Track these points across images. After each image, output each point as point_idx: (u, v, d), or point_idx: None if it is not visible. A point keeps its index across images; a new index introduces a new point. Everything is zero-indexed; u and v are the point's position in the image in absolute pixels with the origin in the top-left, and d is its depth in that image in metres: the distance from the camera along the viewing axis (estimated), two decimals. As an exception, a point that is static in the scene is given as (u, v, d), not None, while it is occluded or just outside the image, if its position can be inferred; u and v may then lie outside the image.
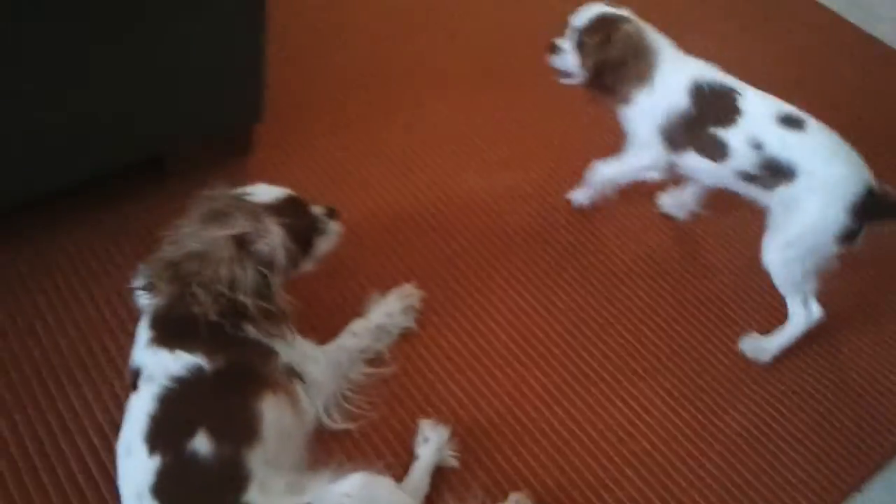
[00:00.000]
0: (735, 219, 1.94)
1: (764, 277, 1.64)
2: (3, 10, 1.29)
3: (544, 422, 1.52)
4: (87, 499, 1.30)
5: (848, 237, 1.52)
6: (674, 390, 1.61)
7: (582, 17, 1.69)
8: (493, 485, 1.41)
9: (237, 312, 1.26)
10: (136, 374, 1.24)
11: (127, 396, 1.25)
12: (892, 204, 1.52)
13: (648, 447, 1.51)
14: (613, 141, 1.79)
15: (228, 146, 1.85)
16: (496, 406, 1.53)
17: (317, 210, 1.46)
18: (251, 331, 1.29)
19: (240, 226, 1.27)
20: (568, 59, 1.71)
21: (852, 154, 1.55)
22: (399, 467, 1.40)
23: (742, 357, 1.68)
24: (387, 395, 1.51)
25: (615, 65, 1.64)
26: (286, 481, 1.19)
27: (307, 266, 1.43)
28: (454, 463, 1.41)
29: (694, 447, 1.53)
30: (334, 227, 1.48)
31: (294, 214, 1.35)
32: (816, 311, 1.62)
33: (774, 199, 1.57)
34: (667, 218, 1.95)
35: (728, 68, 1.66)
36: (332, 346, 1.47)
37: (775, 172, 1.54)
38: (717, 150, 1.59)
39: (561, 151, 2.07)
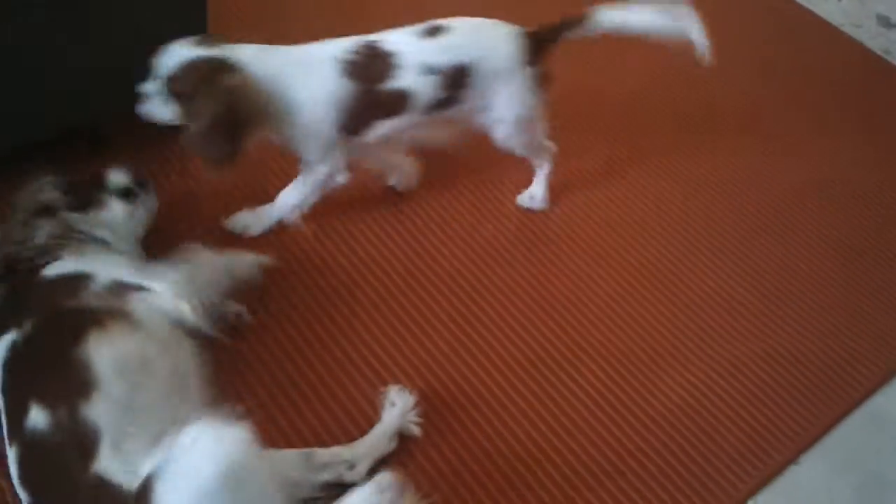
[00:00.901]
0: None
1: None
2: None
3: (492, 397, 1.53)
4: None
5: (544, 83, 1.64)
6: (616, 364, 1.63)
7: (169, 60, 1.41)
8: (452, 455, 1.42)
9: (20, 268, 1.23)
10: None
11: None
12: (546, 34, 1.62)
13: (591, 421, 1.53)
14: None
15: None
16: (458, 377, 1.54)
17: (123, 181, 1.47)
18: (49, 271, 1.22)
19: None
20: (161, 110, 1.45)
21: (496, 23, 1.61)
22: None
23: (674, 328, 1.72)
24: (352, 361, 1.51)
25: (232, 124, 1.40)
26: (156, 429, 1.05)
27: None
28: (416, 430, 1.40)
29: (633, 419, 1.55)
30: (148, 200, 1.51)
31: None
32: (552, 146, 1.80)
33: (472, 102, 1.60)
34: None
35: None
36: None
37: (457, 80, 1.55)
38: (399, 103, 1.53)
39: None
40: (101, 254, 1.32)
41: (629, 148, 2.13)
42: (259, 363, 1.47)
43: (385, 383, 1.47)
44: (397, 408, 1.40)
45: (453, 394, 1.51)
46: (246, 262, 1.44)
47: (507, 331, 1.64)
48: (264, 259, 1.49)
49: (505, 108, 1.62)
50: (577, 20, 1.63)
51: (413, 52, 1.51)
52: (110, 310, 1.17)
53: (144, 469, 1.00)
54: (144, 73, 1.44)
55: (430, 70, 1.51)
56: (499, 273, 1.74)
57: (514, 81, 1.60)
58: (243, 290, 1.43)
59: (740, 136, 2.29)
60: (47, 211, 1.33)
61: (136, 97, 1.46)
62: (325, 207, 1.70)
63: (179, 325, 1.23)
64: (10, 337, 1.15)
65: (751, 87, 2.49)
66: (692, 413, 1.58)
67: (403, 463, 1.37)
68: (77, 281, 1.21)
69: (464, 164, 1.91)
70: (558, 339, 1.65)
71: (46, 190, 1.36)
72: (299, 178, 1.62)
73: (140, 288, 1.22)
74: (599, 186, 2.00)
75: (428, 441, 1.42)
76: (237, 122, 1.39)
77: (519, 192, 1.89)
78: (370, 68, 1.50)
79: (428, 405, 1.46)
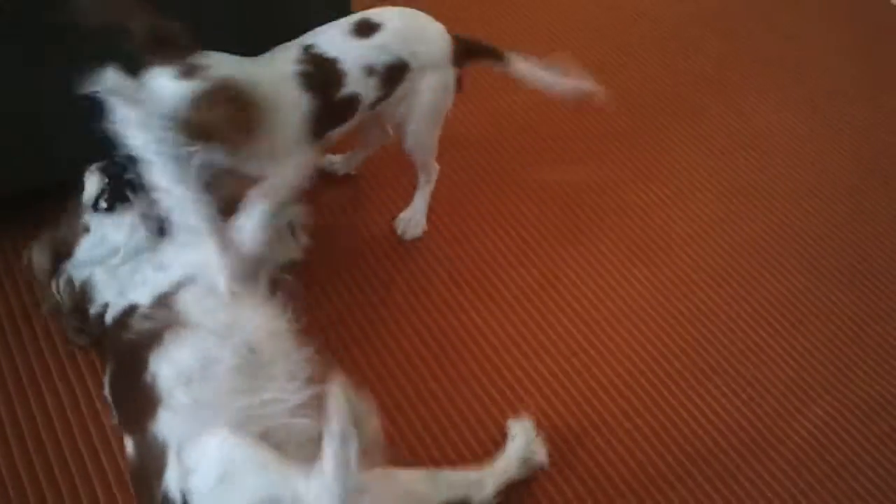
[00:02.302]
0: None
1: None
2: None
3: (610, 415, 1.52)
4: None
5: (458, 88, 1.64)
6: (741, 392, 1.59)
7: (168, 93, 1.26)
8: (579, 483, 1.42)
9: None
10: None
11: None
12: (469, 45, 1.62)
13: (714, 448, 1.50)
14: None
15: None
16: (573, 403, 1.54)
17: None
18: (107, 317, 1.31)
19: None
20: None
21: (427, 17, 1.59)
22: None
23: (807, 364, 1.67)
24: (467, 395, 1.51)
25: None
26: (232, 416, 1.09)
27: None
28: (544, 459, 1.40)
29: (759, 450, 1.51)
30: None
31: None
32: (437, 167, 1.76)
33: (396, 98, 1.57)
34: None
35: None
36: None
37: (394, 76, 1.52)
38: (349, 106, 1.50)
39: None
40: (130, 274, 1.34)
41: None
42: (383, 368, 1.52)
43: (509, 402, 1.49)
44: (520, 437, 1.40)
45: (578, 419, 1.51)
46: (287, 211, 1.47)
47: (630, 353, 1.63)
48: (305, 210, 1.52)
49: (426, 102, 1.59)
50: (497, 54, 1.66)
51: (353, 55, 1.47)
52: (162, 323, 1.22)
53: None
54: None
55: (372, 71, 1.48)
56: (620, 293, 1.73)
57: (442, 76, 1.58)
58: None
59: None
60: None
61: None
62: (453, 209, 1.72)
63: (236, 293, 1.26)
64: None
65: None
66: (823, 450, 1.53)
67: (531, 489, 1.38)
68: (126, 315, 1.27)
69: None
70: (682, 361, 1.63)
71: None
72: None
73: (179, 284, 1.26)
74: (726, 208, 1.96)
75: (555, 469, 1.42)
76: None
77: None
78: (323, 79, 1.45)
79: (553, 430, 1.47)
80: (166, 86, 1.22)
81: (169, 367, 1.15)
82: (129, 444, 1.17)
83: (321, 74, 1.44)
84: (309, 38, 1.47)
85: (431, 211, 1.79)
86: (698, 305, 1.74)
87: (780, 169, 2.11)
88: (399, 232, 1.77)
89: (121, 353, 1.25)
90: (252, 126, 1.28)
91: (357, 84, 1.47)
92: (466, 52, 1.61)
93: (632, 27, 2.49)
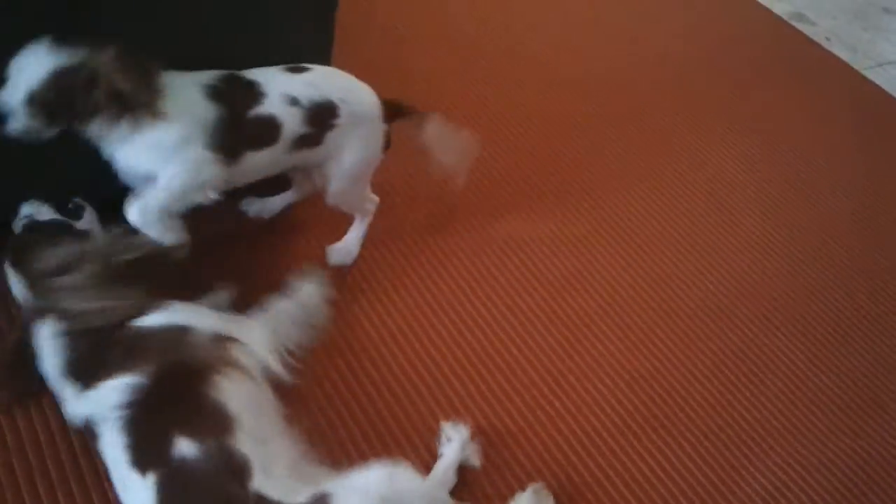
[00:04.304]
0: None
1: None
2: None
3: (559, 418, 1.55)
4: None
5: (386, 145, 1.66)
6: (698, 444, 1.63)
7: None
8: (514, 480, 1.47)
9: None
10: (89, 427, 1.24)
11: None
12: (394, 104, 1.65)
13: (669, 499, 1.53)
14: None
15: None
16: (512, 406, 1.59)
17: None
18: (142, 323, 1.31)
19: None
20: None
21: (359, 81, 1.62)
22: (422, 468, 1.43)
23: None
24: (400, 395, 1.56)
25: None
26: (285, 463, 1.18)
27: None
28: (476, 462, 1.46)
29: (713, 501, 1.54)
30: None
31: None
32: (376, 199, 1.78)
33: (326, 148, 1.56)
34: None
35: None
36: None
37: (320, 118, 1.52)
38: (267, 129, 1.48)
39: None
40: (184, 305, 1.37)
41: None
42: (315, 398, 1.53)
43: (438, 419, 1.52)
44: (455, 441, 1.45)
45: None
46: (316, 304, 1.48)
47: (588, 397, 1.66)
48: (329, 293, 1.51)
49: (354, 156, 1.59)
50: (418, 116, 1.70)
51: (277, 83, 1.49)
52: (220, 358, 1.27)
53: (297, 496, 1.13)
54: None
55: (295, 102, 1.48)
56: (586, 347, 1.77)
57: (372, 129, 1.60)
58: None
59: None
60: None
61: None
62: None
63: (267, 374, 1.33)
64: (126, 380, 1.23)
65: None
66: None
67: (462, 496, 1.42)
68: (178, 333, 1.30)
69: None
70: (642, 415, 1.66)
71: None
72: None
73: (233, 339, 1.31)
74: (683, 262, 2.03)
75: (485, 472, 1.47)
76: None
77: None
78: (235, 94, 1.46)
79: (483, 438, 1.51)
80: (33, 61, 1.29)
81: (236, 394, 1.23)
82: (188, 444, 1.15)
83: (233, 90, 1.45)
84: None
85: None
86: (660, 360, 1.78)
87: (741, 226, 2.18)
88: (328, 259, 1.76)
89: (169, 362, 1.25)
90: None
91: (276, 108, 1.47)
92: (389, 109, 1.63)
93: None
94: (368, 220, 1.79)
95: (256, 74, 1.50)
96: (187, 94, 1.41)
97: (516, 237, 1.96)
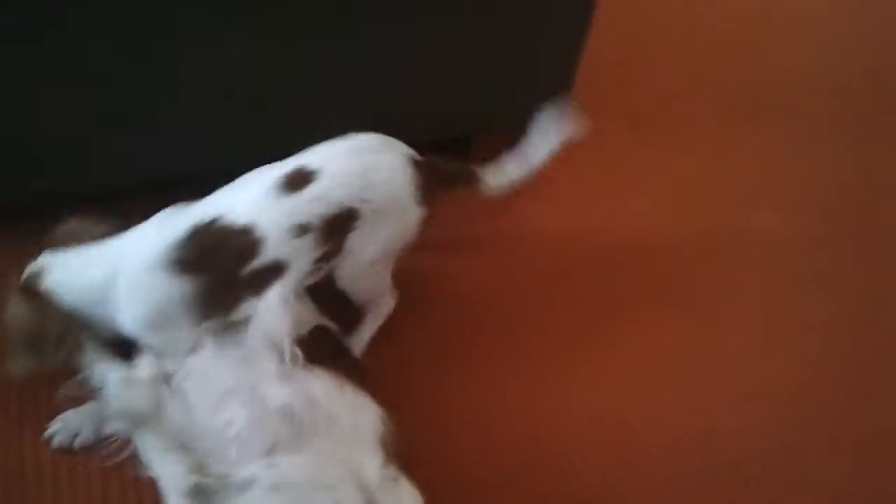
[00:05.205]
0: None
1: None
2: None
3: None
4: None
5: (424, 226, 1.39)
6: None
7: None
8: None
9: None
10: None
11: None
12: (438, 172, 1.39)
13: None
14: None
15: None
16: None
17: None
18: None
19: None
20: None
21: (382, 145, 1.35)
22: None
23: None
24: None
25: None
26: None
27: None
28: None
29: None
30: None
31: None
32: (396, 294, 1.50)
33: (347, 250, 1.32)
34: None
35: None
36: None
37: (338, 227, 1.28)
38: (271, 274, 1.25)
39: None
40: None
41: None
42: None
43: None
44: None
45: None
46: None
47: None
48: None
49: (376, 246, 1.34)
50: (470, 176, 1.47)
51: (275, 216, 1.24)
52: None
53: None
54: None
55: (304, 230, 1.24)
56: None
57: (400, 219, 1.33)
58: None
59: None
60: None
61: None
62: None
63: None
64: None
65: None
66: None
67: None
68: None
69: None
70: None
71: None
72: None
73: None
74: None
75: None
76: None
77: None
78: (221, 251, 1.22)
79: None
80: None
81: None
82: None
83: (219, 245, 1.22)
84: (215, 203, 1.25)
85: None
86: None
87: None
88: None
89: None
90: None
91: (278, 251, 1.23)
92: (437, 182, 1.37)
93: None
94: (380, 321, 1.49)
95: (247, 203, 1.23)
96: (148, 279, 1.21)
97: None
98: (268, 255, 1.22)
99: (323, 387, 1.16)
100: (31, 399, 1.32)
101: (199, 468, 0.98)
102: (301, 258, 1.25)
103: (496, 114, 1.74)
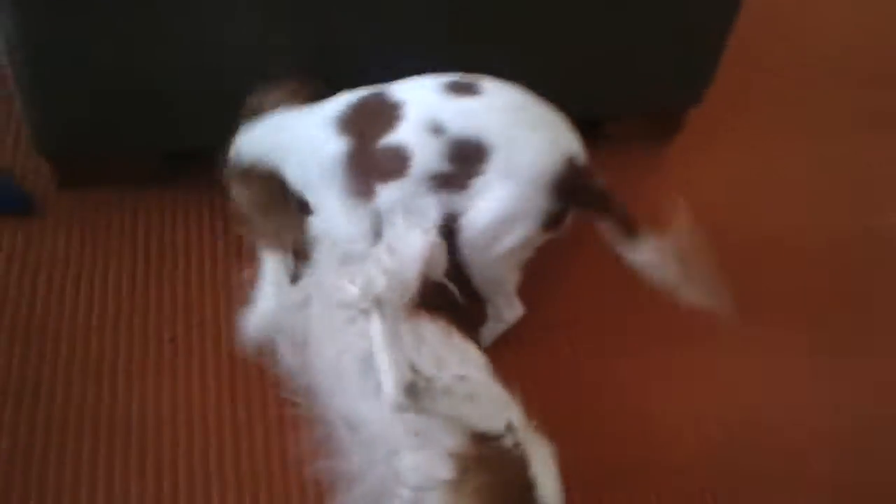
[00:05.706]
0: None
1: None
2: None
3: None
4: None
5: (555, 221, 1.28)
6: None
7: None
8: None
9: None
10: None
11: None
12: (592, 186, 1.28)
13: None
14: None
15: (658, 122, 1.77)
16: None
17: None
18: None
19: None
20: None
21: (546, 119, 1.27)
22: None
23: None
24: None
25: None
26: None
27: None
28: None
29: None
30: None
31: None
32: (520, 307, 1.40)
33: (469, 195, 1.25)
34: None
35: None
36: None
37: (467, 159, 1.23)
38: (397, 160, 1.23)
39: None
40: None
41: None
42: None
43: None
44: None
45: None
46: None
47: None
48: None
49: (491, 216, 1.25)
50: (631, 225, 1.27)
51: (424, 104, 1.24)
52: None
53: None
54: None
55: (438, 130, 1.21)
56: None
57: (521, 193, 1.24)
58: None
59: None
60: None
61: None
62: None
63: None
64: None
65: None
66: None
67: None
68: None
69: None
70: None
71: None
72: None
73: None
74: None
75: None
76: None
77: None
78: (367, 121, 1.26)
79: None
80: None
81: None
82: None
83: (364, 116, 1.26)
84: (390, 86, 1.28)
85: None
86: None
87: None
88: None
89: None
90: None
91: (408, 136, 1.22)
92: (578, 190, 1.26)
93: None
94: (500, 329, 1.41)
95: (404, 88, 1.27)
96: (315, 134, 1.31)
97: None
98: (398, 135, 1.22)
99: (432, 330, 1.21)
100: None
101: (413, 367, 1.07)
102: (423, 157, 1.22)
103: (629, 100, 1.69)
